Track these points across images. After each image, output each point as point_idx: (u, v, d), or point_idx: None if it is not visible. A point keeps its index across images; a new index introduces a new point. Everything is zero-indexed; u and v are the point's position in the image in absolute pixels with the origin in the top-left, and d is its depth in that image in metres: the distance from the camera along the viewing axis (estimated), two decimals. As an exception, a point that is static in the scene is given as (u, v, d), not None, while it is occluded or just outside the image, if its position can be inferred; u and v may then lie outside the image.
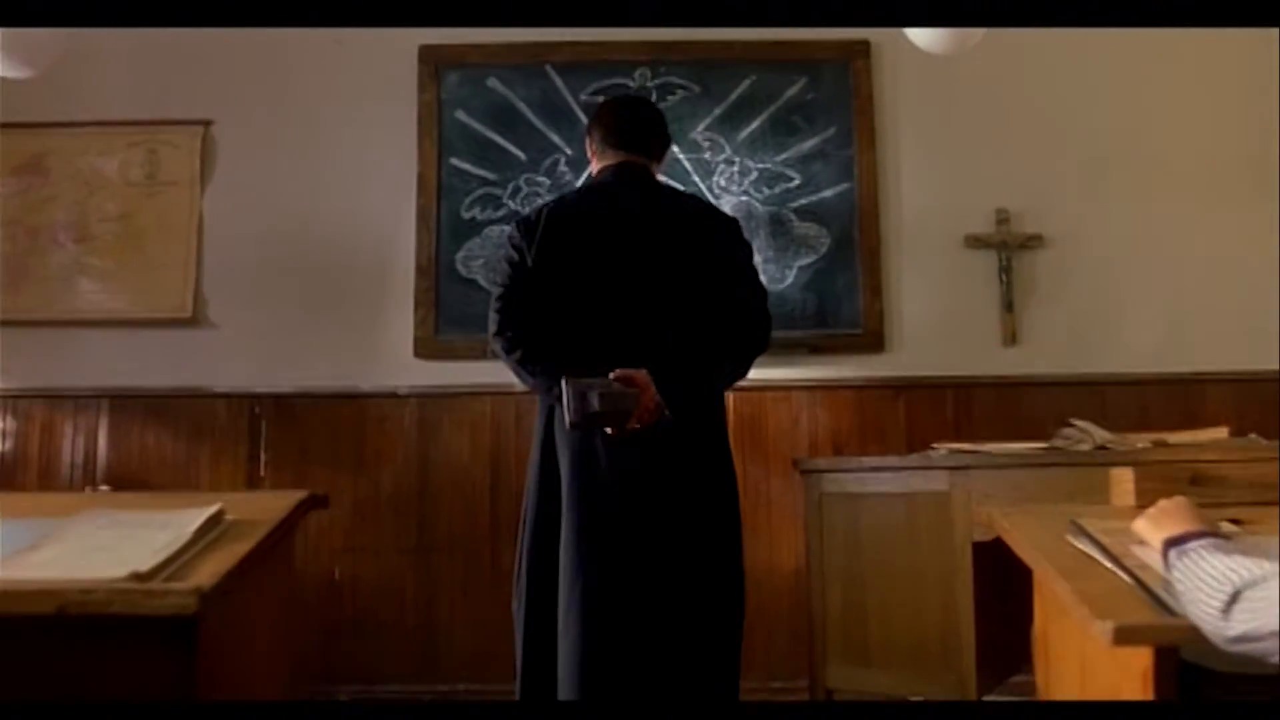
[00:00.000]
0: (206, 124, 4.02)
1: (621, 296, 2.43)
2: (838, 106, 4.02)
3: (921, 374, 3.88)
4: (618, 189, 2.53)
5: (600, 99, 3.50)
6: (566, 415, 2.21)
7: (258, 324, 3.92)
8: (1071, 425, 2.61)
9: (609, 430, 2.30)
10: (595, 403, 2.18)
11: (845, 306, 3.92)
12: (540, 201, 3.17)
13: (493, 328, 2.49)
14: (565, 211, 2.51)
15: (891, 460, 2.73)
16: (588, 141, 2.66)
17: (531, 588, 2.44)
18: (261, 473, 3.85)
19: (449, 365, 3.86)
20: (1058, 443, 2.60)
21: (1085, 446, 2.52)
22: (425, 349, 3.89)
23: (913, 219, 3.97)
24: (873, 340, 3.90)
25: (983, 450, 2.59)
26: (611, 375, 2.28)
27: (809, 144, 4.00)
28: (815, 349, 3.88)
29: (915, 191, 3.99)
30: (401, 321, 3.91)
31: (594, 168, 2.64)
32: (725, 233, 2.52)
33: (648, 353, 2.38)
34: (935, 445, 3.05)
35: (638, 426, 2.31)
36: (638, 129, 2.57)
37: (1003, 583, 2.16)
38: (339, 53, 4.00)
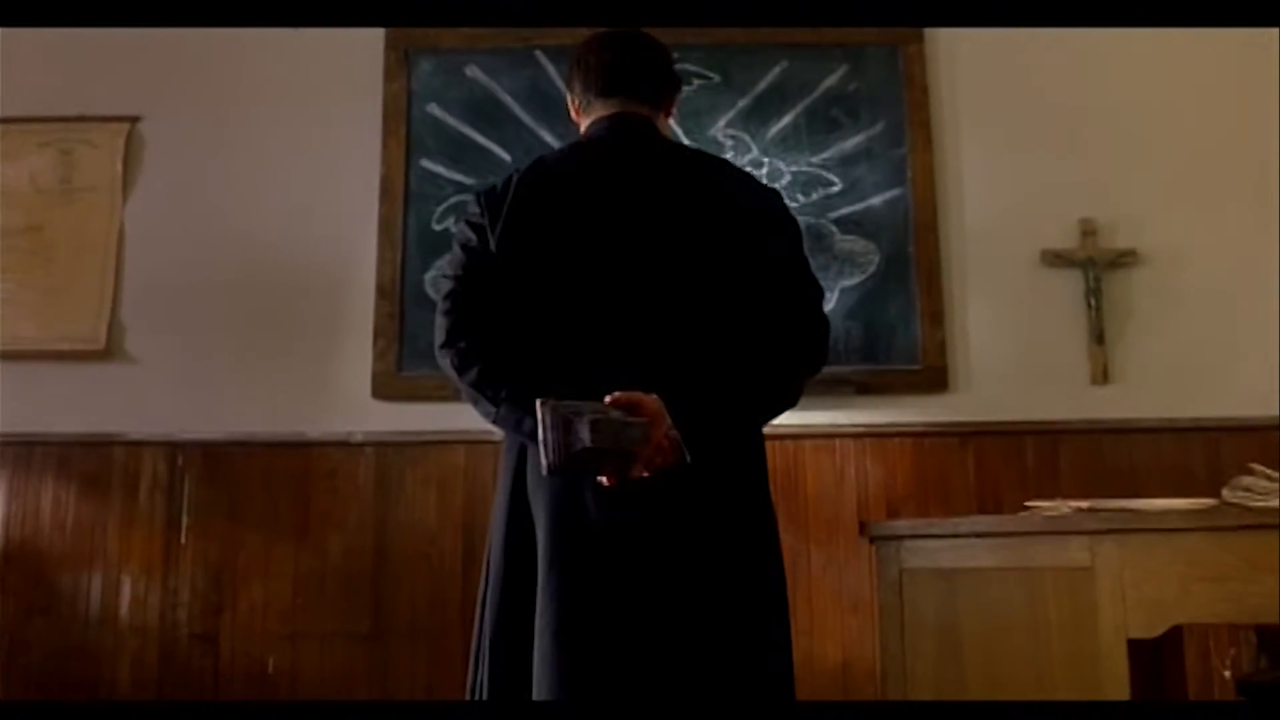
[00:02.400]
0: (132, 120, 3.38)
1: (621, 294, 1.73)
2: (886, 98, 3.36)
3: (993, 418, 3.16)
4: (613, 148, 1.84)
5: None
6: (542, 455, 1.49)
7: (185, 357, 3.23)
8: (1253, 472, 1.88)
9: (603, 479, 1.58)
10: (585, 436, 1.47)
11: (899, 337, 3.21)
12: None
13: (440, 337, 1.80)
14: (543, 178, 1.83)
15: (1004, 522, 1.98)
16: (569, 98, 1.98)
17: (494, 697, 1.73)
18: (182, 539, 3.12)
19: (414, 408, 3.16)
20: (1233, 496, 1.87)
21: (1277, 502, 1.80)
22: (385, 387, 3.19)
23: (979, 231, 3.28)
24: (933, 378, 3.18)
25: (1132, 508, 1.86)
26: (608, 400, 1.57)
27: (852, 142, 3.33)
28: (864, 388, 3.17)
29: (981, 198, 3.30)
30: (357, 354, 3.21)
31: (581, 127, 1.96)
32: (764, 206, 1.82)
33: (659, 371, 1.68)
34: (1032, 504, 2.31)
35: (645, 474, 1.60)
36: (636, 68, 1.89)
37: (1174, 696, 1.42)
38: (290, 37, 3.36)
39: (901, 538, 1.96)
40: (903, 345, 3.21)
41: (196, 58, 3.37)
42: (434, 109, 3.36)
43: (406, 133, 3.33)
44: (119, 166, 3.35)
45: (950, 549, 1.91)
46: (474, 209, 1.85)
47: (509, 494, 1.78)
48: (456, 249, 1.85)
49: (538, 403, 1.50)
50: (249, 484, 3.15)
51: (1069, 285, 3.25)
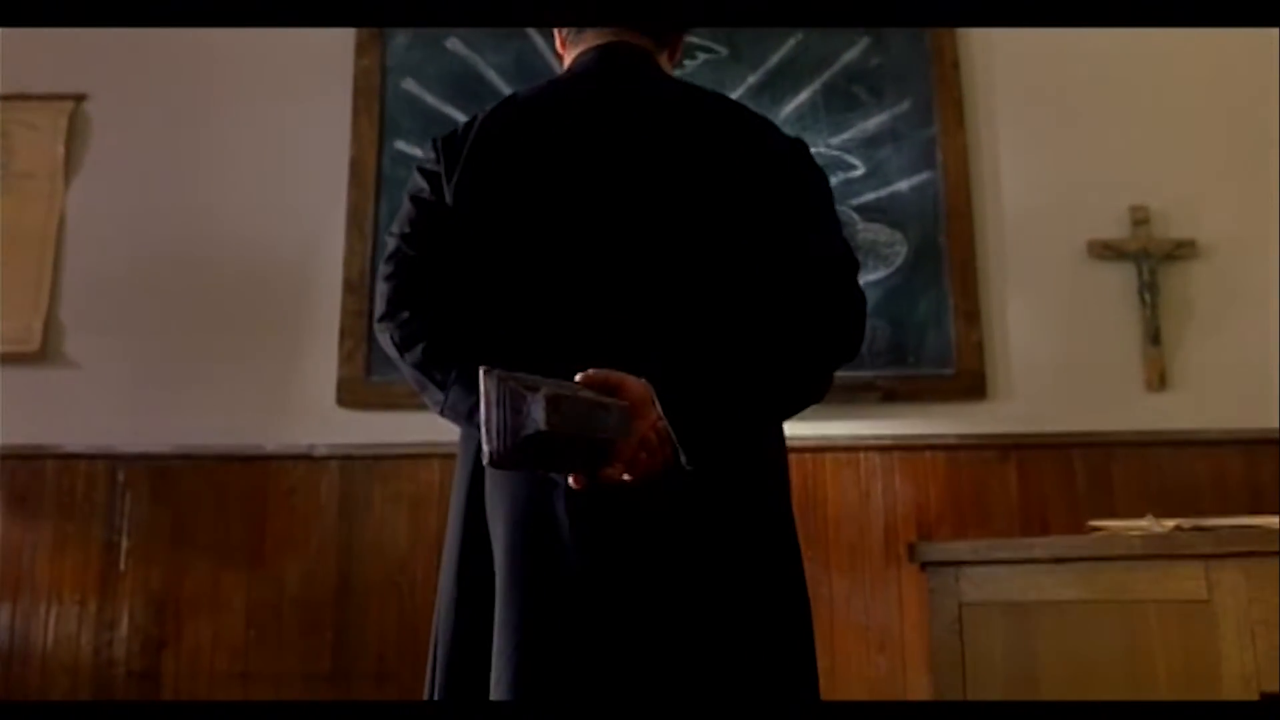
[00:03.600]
0: (76, 99, 3.05)
1: (604, 257, 1.38)
2: (913, 74, 3.02)
3: (1037, 429, 2.80)
4: (602, 82, 1.49)
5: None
6: (483, 439, 1.13)
7: (128, 361, 2.88)
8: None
9: (571, 480, 1.23)
10: (539, 416, 1.10)
11: (931, 338, 2.85)
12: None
13: (380, 307, 1.45)
14: (513, 117, 1.48)
15: (1091, 544, 1.59)
16: (556, 31, 1.64)
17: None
18: (121, 565, 2.76)
19: (385, 417, 2.80)
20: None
21: None
22: (352, 395, 2.84)
23: (1018, 220, 2.93)
24: (970, 383, 2.82)
25: (1253, 525, 1.49)
26: (579, 378, 1.22)
27: (875, 122, 2.98)
28: (891, 395, 2.80)
29: (1020, 183, 2.95)
30: (321, 357, 2.86)
31: (565, 61, 1.61)
32: (786, 157, 1.47)
33: (650, 351, 1.33)
34: (1098, 524, 1.94)
35: (627, 478, 1.24)
36: (638, -8, 1.55)
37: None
38: (253, 7, 3.02)
39: (961, 563, 1.58)
40: (934, 347, 2.85)
41: (148, 31, 3.04)
42: (410, 85, 3.02)
43: (380, 112, 3.00)
44: (60, 150, 3.02)
45: (1023, 577, 1.53)
46: (428, 154, 1.51)
47: (463, 507, 1.42)
48: (405, 202, 1.50)
49: (480, 372, 1.14)
50: (197, 503, 2.79)
51: (1120, 280, 2.89)
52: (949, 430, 2.79)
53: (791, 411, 1.40)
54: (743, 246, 1.39)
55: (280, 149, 3.01)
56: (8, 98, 3.03)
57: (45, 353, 2.89)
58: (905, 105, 3.00)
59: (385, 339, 1.43)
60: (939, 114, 2.98)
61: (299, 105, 3.02)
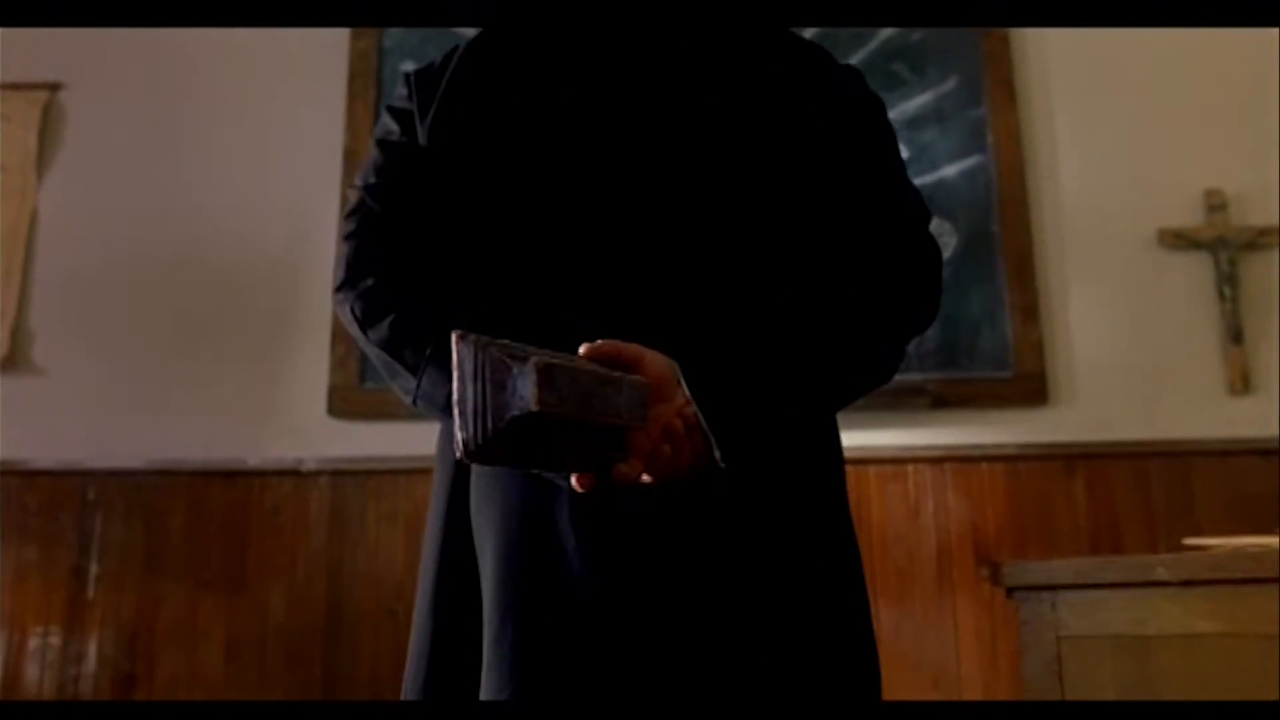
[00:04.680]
0: (51, 88, 2.83)
1: (617, 207, 1.11)
2: (958, 49, 2.75)
3: (1106, 437, 2.50)
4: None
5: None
6: (457, 424, 0.86)
7: (102, 367, 2.63)
8: None
9: (574, 480, 0.96)
10: (527, 393, 0.84)
11: (985, 337, 2.57)
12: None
13: (339, 273, 1.19)
14: (502, 40, 1.22)
15: (1237, 563, 1.27)
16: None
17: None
18: (89, 593, 2.50)
19: (379, 428, 2.54)
20: None
21: None
22: (345, 403, 2.58)
23: (1079, 206, 2.65)
24: (1029, 387, 2.53)
25: None
26: (583, 350, 0.95)
27: (917, 102, 2.72)
28: (941, 400, 2.52)
29: (1080, 166, 2.67)
30: (311, 362, 2.61)
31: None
32: (839, 87, 1.20)
33: (674, 323, 1.06)
34: (1195, 541, 1.65)
35: (646, 479, 0.97)
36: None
37: None
38: (241, -13, 2.80)
39: (1059, 587, 1.29)
40: (989, 347, 2.56)
41: (129, 13, 2.82)
42: (410, 69, 2.77)
43: (376, 98, 2.76)
44: (34, 142, 2.79)
45: (1140, 604, 1.23)
46: (400, 91, 1.25)
47: (441, 522, 1.16)
48: (373, 148, 1.24)
49: (454, 337, 0.88)
50: (173, 523, 2.53)
51: (1195, 271, 2.60)
52: (1007, 439, 2.50)
53: (854, 394, 1.12)
54: (792, 193, 1.12)
55: (269, 138, 2.77)
56: (-22, 87, 2.82)
57: (13, 360, 2.65)
58: (951, 84, 2.73)
59: (345, 312, 1.17)
60: (988, 92, 2.71)
61: (289, 91, 2.78)
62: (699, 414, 1.00)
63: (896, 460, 2.48)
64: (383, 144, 1.21)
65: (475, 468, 1.10)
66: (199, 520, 2.53)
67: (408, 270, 1.15)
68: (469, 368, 0.87)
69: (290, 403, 2.59)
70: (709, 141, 1.11)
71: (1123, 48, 2.70)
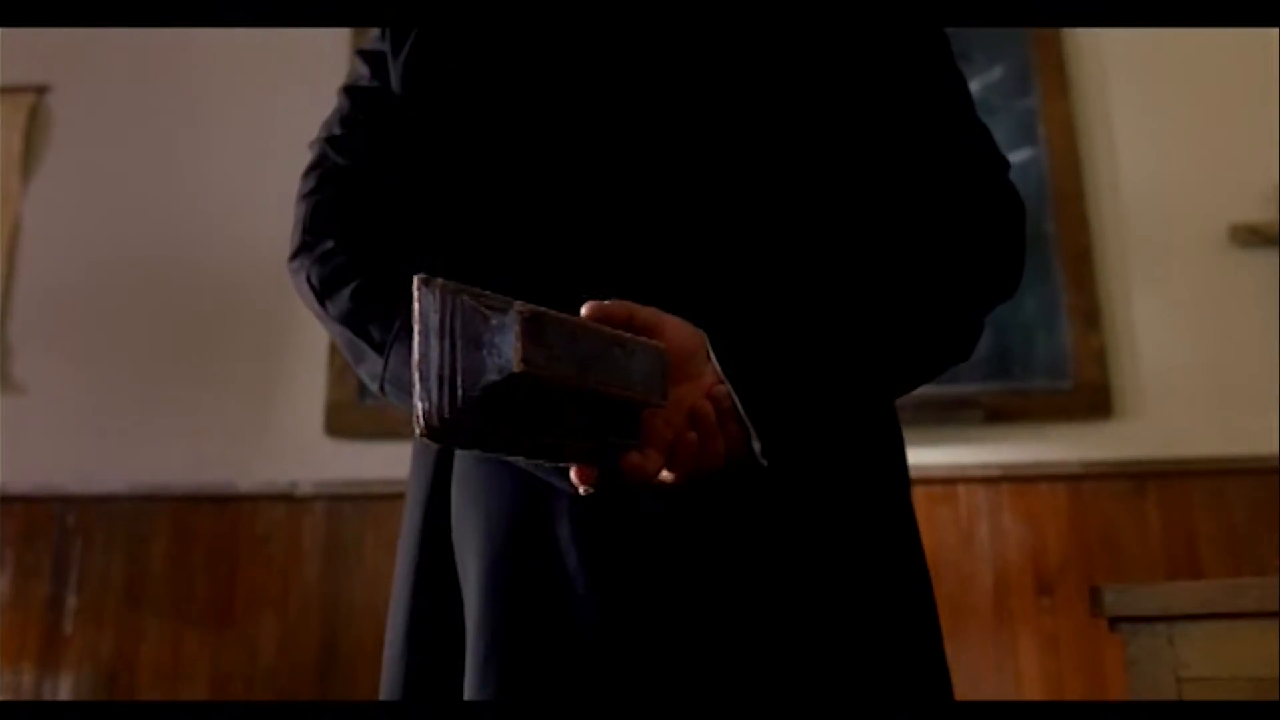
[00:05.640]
0: (38, 90, 2.67)
1: (633, 154, 0.90)
2: (1005, 36, 2.54)
3: (1179, 453, 2.26)
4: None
5: None
6: (417, 392, 0.66)
7: (85, 384, 2.46)
8: None
9: (574, 476, 0.74)
10: (508, 352, 0.63)
11: (1041, 344, 2.34)
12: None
13: (295, 238, 0.99)
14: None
15: None
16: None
17: None
18: (66, 628, 2.30)
19: (381, 449, 2.33)
20: None
21: None
22: (343, 422, 2.38)
23: (1141, 201, 2.43)
24: (1092, 399, 2.30)
25: None
26: (586, 309, 0.74)
27: (962, 92, 2.50)
28: (996, 414, 2.29)
29: (1141, 158, 2.45)
30: (307, 377, 2.42)
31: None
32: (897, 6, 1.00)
33: (700, 288, 0.86)
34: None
35: (667, 476, 0.76)
36: None
37: None
38: (238, -17, 2.64)
39: (1175, 618, 1.05)
40: (1046, 355, 2.34)
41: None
42: (415, 64, 2.60)
43: (379, 95, 2.58)
44: (19, 148, 2.64)
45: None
46: (373, 33, 1.06)
47: (417, 534, 0.94)
48: (339, 97, 1.05)
49: (414, 282, 0.68)
50: (157, 552, 2.33)
51: (1271, 269, 2.37)
52: (1069, 456, 2.26)
53: (923, 375, 0.91)
54: (838, 128, 0.92)
55: (265, 141, 2.59)
56: (-39, 90, 2.67)
57: (-9, 377, 2.48)
58: (998, 72, 2.52)
59: (300, 283, 0.97)
60: (1038, 81, 2.50)
61: (287, 95, 2.60)
62: (734, 395, 0.79)
63: (946, 480, 2.25)
64: (350, 90, 1.02)
65: (460, 468, 0.90)
66: (184, 549, 2.33)
67: (375, 232, 0.95)
68: (434, 320, 0.66)
69: (284, 421, 2.40)
70: (734, 71, 0.91)
71: (1182, 29, 2.49)
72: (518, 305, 0.65)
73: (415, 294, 0.67)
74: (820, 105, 0.90)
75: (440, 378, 0.65)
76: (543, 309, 0.66)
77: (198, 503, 2.35)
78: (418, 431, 0.66)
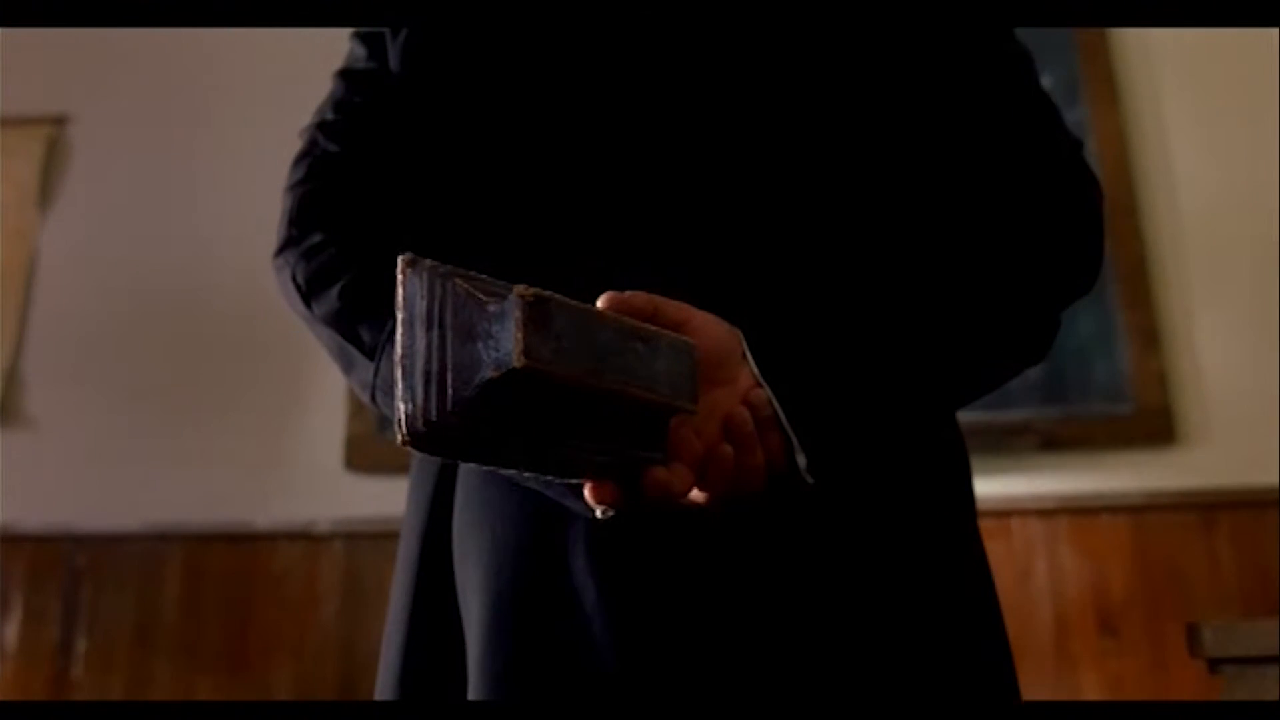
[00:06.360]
0: (56, 121, 2.63)
1: (659, 142, 0.80)
2: (1049, 42, 2.42)
3: (1251, 481, 2.11)
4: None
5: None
6: (399, 391, 0.56)
7: (97, 419, 2.38)
8: None
9: (589, 494, 0.63)
10: (507, 344, 0.53)
11: (1098, 366, 2.21)
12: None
13: (280, 231, 0.90)
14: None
15: None
16: None
17: None
18: (74, 671, 2.21)
19: (403, 485, 2.21)
20: None
21: None
22: (363, 456, 2.29)
23: (1200, 215, 2.30)
24: (1153, 424, 2.16)
25: None
26: (603, 300, 0.64)
27: (1005, 104, 2.39)
28: (1051, 441, 2.15)
29: (1198, 169, 2.33)
30: (326, 410, 2.33)
31: None
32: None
33: (737, 279, 0.75)
34: None
35: (698, 497, 0.64)
36: None
37: None
38: (257, 9, 2.59)
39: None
40: (1103, 379, 2.20)
41: (139, 42, 2.62)
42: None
43: (400, 119, 2.51)
44: (36, 179, 2.59)
45: None
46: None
47: (414, 562, 0.84)
48: (333, 81, 0.96)
49: (399, 263, 0.57)
50: (169, 593, 2.24)
51: (1344, 286, 2.22)
52: (1131, 486, 2.12)
53: (990, 381, 0.80)
54: (892, 105, 0.81)
55: (285, 174, 2.52)
56: (-22, 122, 2.63)
57: (5, 411, 2.40)
58: (1045, 82, 2.40)
59: (285, 281, 0.88)
60: (1087, 91, 2.39)
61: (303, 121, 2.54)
62: (775, 402, 0.68)
63: (1000, 513, 2.11)
64: (345, 73, 0.93)
65: (462, 488, 0.80)
66: (196, 589, 2.23)
67: (368, 224, 0.85)
68: (420, 307, 0.56)
69: (302, 455, 2.30)
70: (776, 41, 0.81)
71: (1237, 34, 2.37)
72: (519, 289, 0.54)
73: (399, 277, 0.57)
74: (868, 75, 0.79)
75: (427, 374, 0.55)
76: (549, 293, 0.55)
77: (211, 541, 2.25)
78: (399, 438, 0.56)
